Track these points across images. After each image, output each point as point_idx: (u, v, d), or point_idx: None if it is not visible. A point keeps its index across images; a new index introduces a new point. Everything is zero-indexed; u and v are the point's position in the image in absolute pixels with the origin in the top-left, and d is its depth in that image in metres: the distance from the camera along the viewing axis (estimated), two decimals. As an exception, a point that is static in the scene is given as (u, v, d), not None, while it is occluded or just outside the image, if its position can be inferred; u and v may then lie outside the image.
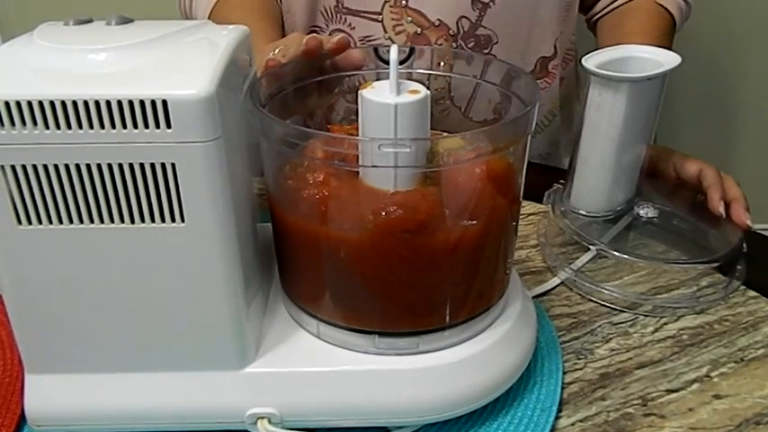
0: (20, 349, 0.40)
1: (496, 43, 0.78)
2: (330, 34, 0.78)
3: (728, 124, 1.57)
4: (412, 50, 0.49)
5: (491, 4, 0.75)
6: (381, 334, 0.42)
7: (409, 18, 0.76)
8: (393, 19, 0.76)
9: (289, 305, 0.45)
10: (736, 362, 0.51)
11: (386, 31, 0.76)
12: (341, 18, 0.77)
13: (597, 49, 0.60)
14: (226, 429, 0.42)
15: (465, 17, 0.76)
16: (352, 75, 0.50)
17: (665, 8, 0.82)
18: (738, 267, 0.59)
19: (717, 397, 0.48)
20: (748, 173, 1.53)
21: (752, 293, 0.58)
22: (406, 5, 0.75)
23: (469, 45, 0.77)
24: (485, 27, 0.76)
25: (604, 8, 0.86)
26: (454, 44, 0.77)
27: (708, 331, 0.54)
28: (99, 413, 0.41)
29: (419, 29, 0.76)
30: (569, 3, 0.81)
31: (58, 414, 0.41)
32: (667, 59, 0.57)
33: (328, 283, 0.42)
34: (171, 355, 0.41)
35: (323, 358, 0.42)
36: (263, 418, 0.41)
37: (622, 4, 0.84)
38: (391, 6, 0.75)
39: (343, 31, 0.77)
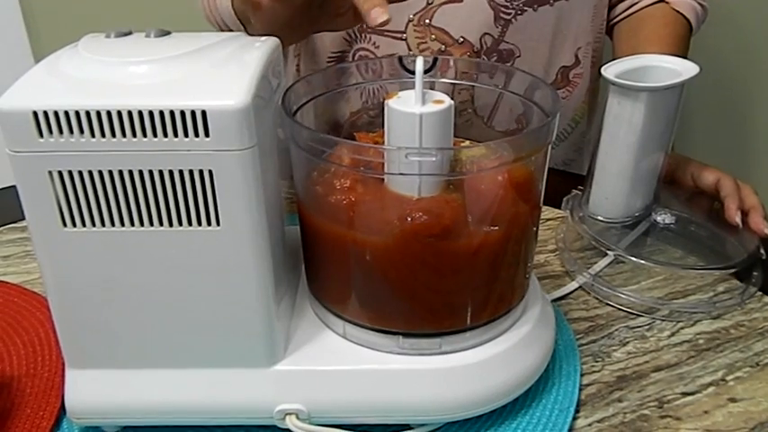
0: (61, 345, 0.42)
1: (519, 57, 0.79)
2: (354, 54, 0.80)
3: (745, 132, 1.56)
4: (435, 60, 0.50)
5: (513, 20, 0.77)
6: (405, 335, 0.43)
7: (433, 36, 0.77)
8: (417, 37, 0.77)
9: (315, 306, 0.47)
10: (751, 366, 0.52)
11: (410, 49, 0.78)
12: (365, 37, 0.78)
13: (618, 57, 0.61)
14: (255, 424, 0.44)
15: (488, 34, 0.77)
16: (377, 82, 0.51)
17: (682, 14, 0.83)
18: (755, 274, 0.60)
19: (732, 400, 0.49)
20: (766, 180, 1.53)
21: (768, 299, 0.59)
22: (430, 24, 0.76)
23: (492, 60, 0.78)
24: (507, 42, 0.78)
25: (621, 13, 0.86)
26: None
27: (724, 336, 0.55)
28: (136, 407, 0.43)
29: (443, 46, 0.77)
30: (593, 15, 0.82)
31: (96, 407, 0.43)
32: (686, 69, 0.58)
33: (355, 286, 0.44)
34: (204, 353, 0.42)
35: (349, 357, 0.44)
36: (291, 413, 0.43)
37: (639, 11, 0.85)
38: (415, 25, 0.77)
39: (368, 50, 0.79)
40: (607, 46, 0.89)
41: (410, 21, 0.77)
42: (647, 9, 0.84)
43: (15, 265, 0.63)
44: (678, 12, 0.83)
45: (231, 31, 0.77)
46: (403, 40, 0.77)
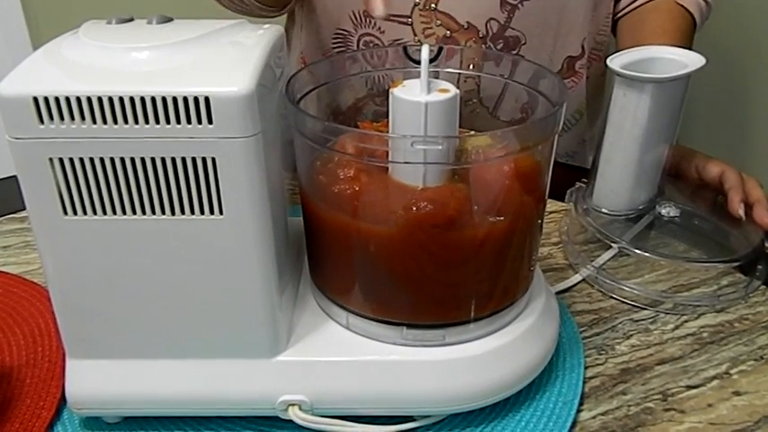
0: (62, 335, 0.42)
1: (525, 44, 0.78)
2: (359, 38, 0.79)
3: (750, 125, 1.56)
4: (440, 49, 0.50)
5: (519, 5, 0.76)
6: (409, 326, 0.43)
7: (438, 21, 0.76)
8: (422, 22, 0.77)
9: (318, 297, 0.47)
10: (755, 360, 0.51)
11: (415, 35, 0.77)
12: (370, 22, 0.78)
13: (622, 50, 0.61)
14: (258, 415, 0.44)
15: (494, 19, 0.76)
16: (381, 70, 0.51)
17: (686, 8, 0.82)
18: (759, 267, 0.60)
19: (736, 393, 0.48)
20: (769, 174, 1.52)
21: (772, 293, 0.58)
22: (436, 9, 0.76)
23: (498, 47, 0.78)
24: (513, 28, 0.77)
25: (625, 8, 0.86)
26: (483, 46, 0.78)
27: (728, 329, 0.54)
28: (137, 397, 0.43)
29: (448, 31, 0.77)
30: (596, 2, 0.82)
31: (97, 397, 0.43)
32: (692, 60, 0.58)
33: (358, 276, 0.43)
34: (206, 343, 0.42)
35: (352, 348, 0.44)
36: (293, 404, 0.42)
37: (643, 4, 0.84)
38: (420, 10, 0.76)
39: (373, 35, 0.78)
40: (612, 42, 0.88)
41: (416, 5, 0.76)
42: (652, 3, 0.84)
43: (15, 255, 0.63)
44: (683, 6, 0.82)
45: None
46: (408, 24, 0.77)
